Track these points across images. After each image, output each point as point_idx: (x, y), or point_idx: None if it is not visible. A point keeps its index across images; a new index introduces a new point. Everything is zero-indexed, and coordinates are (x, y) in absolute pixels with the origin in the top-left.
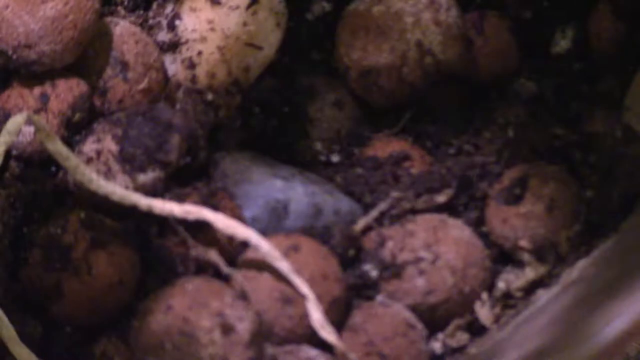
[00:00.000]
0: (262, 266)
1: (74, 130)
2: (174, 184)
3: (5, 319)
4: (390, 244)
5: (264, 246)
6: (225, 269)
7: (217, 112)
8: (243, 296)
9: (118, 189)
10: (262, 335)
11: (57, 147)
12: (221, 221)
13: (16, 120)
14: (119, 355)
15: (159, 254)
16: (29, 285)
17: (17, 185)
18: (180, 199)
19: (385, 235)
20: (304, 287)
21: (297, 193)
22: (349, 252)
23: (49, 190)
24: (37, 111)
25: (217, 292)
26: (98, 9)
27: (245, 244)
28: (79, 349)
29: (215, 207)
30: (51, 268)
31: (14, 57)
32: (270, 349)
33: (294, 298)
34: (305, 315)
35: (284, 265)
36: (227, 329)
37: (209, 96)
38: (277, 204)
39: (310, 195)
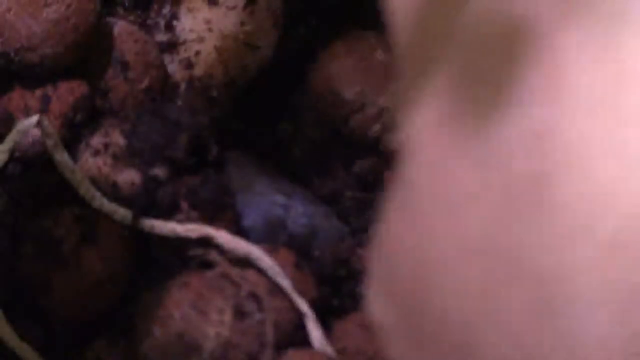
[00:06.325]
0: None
1: (75, 131)
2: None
3: (16, 338)
4: None
5: (266, 262)
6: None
7: (221, 109)
8: (253, 293)
9: (121, 210)
10: (272, 333)
11: (64, 159)
12: (223, 237)
13: (29, 122)
14: (116, 355)
15: (158, 251)
16: (22, 281)
17: (17, 184)
18: (190, 190)
19: None
20: (304, 306)
21: (297, 213)
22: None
23: (48, 186)
24: (38, 113)
25: (231, 286)
26: (99, 11)
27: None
28: (78, 350)
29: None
30: (42, 261)
31: (17, 59)
32: (270, 352)
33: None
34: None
35: (285, 283)
36: (240, 314)
37: (214, 93)
38: (276, 219)
39: (309, 216)
